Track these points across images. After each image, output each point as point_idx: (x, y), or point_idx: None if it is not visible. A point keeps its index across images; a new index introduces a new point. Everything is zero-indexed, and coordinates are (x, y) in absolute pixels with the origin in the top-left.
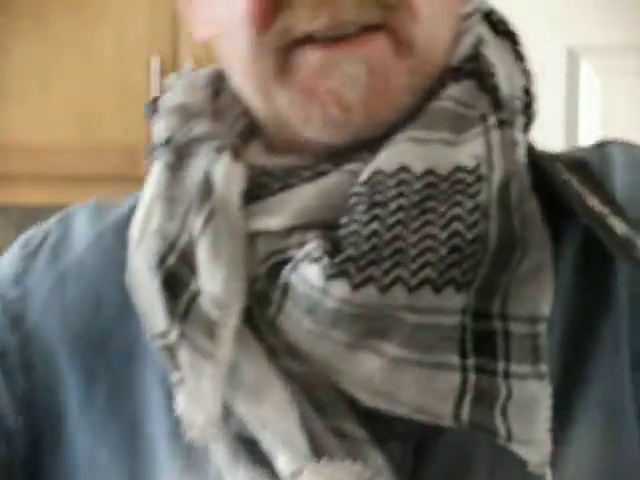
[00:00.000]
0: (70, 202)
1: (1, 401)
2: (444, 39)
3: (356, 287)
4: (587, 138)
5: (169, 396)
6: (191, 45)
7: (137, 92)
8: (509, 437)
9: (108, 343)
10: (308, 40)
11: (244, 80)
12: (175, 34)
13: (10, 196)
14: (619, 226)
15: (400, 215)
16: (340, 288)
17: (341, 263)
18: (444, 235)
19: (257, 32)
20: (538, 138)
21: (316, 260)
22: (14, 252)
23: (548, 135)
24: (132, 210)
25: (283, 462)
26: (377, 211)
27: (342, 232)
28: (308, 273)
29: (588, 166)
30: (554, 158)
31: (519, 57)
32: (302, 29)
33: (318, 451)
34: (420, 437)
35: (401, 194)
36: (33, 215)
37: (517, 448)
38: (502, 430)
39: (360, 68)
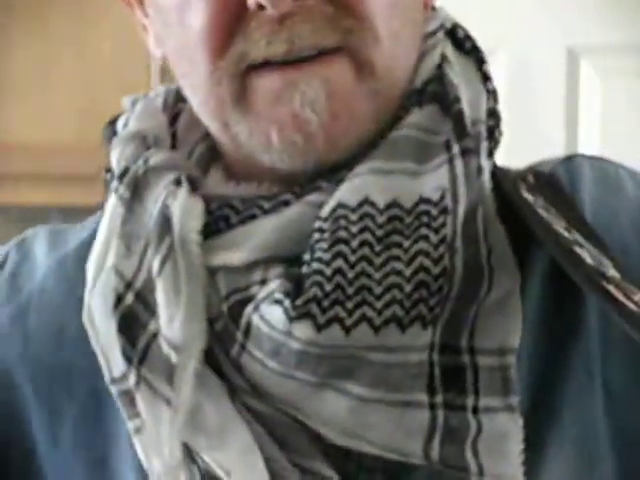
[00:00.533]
0: (70, 202)
1: None
2: (406, 59)
3: (320, 328)
4: (587, 138)
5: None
6: None
7: (137, 92)
8: (481, 473)
9: (71, 376)
10: (264, 65)
11: (201, 107)
12: None
13: (10, 196)
14: (587, 254)
15: (364, 251)
16: (304, 330)
17: (304, 304)
18: (409, 271)
19: (212, 59)
20: (538, 138)
21: (278, 302)
22: None
23: (548, 135)
24: (93, 236)
25: None
26: (340, 247)
27: (304, 270)
28: (270, 315)
29: (557, 181)
30: (520, 178)
31: (485, 77)
32: (258, 54)
33: None
34: (390, 472)
35: (365, 228)
36: (33, 215)
37: None
38: (473, 466)
39: (319, 91)
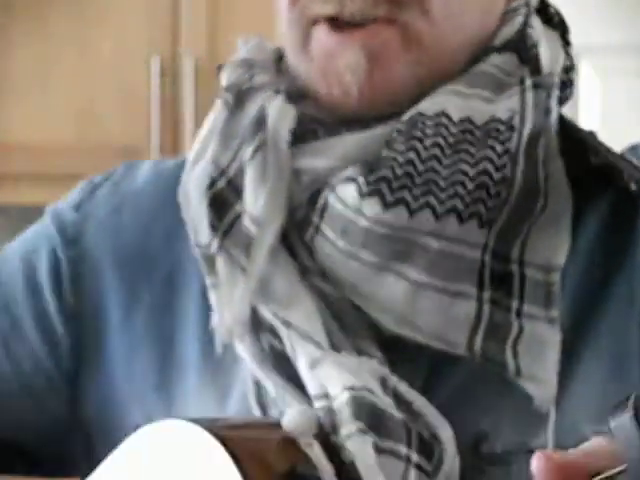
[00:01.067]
0: None
1: (50, 310)
2: (464, 33)
3: (387, 207)
4: None
5: (203, 319)
6: (191, 45)
7: (137, 92)
8: (518, 372)
9: (153, 268)
10: (323, 21)
11: (286, 44)
12: (175, 34)
13: (10, 196)
14: None
15: (435, 151)
16: (373, 207)
17: (375, 182)
18: (473, 172)
19: (287, 6)
20: None
21: (353, 180)
22: (80, 185)
23: None
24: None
25: (303, 356)
26: (414, 143)
27: (380, 159)
28: (344, 192)
29: (622, 155)
30: (589, 134)
31: (567, 44)
32: (313, 11)
33: (337, 350)
34: (433, 364)
35: (438, 134)
36: (33, 215)
37: (525, 384)
38: (512, 365)
39: (360, 56)
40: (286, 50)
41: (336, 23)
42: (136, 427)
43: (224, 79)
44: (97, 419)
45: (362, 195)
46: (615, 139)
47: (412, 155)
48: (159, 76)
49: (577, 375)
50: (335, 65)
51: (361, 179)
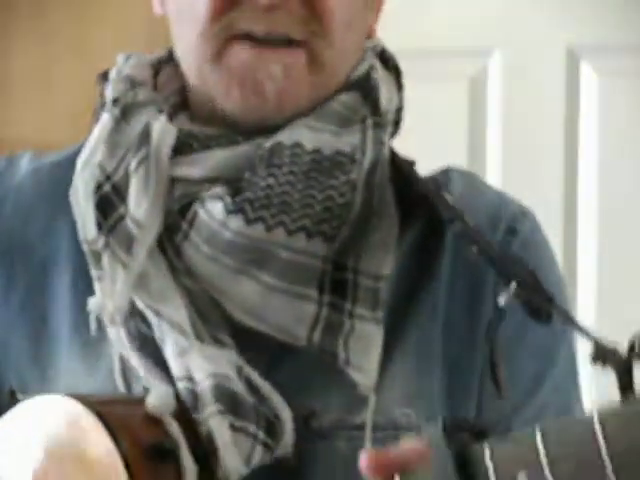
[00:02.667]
0: None
1: None
2: (347, 65)
3: (249, 222)
4: (587, 138)
5: (74, 300)
6: None
7: None
8: (347, 362)
9: (30, 255)
10: (245, 37)
11: (186, 56)
12: None
13: None
14: (450, 203)
15: (290, 177)
16: (236, 222)
17: (240, 202)
18: (321, 197)
19: (208, 22)
20: (538, 138)
21: (220, 198)
22: None
23: (548, 135)
24: (71, 155)
25: (171, 345)
26: (273, 170)
27: (244, 182)
28: (213, 207)
29: (435, 180)
30: (410, 164)
31: (399, 86)
32: (243, 27)
33: (202, 341)
34: (275, 353)
35: (294, 162)
36: None
37: (351, 372)
38: (342, 356)
39: (279, 70)
40: (183, 57)
41: (255, 41)
42: (11, 391)
43: (109, 93)
44: None
45: (228, 212)
46: (615, 139)
47: (271, 180)
48: None
49: (391, 366)
50: (256, 75)
51: (228, 198)
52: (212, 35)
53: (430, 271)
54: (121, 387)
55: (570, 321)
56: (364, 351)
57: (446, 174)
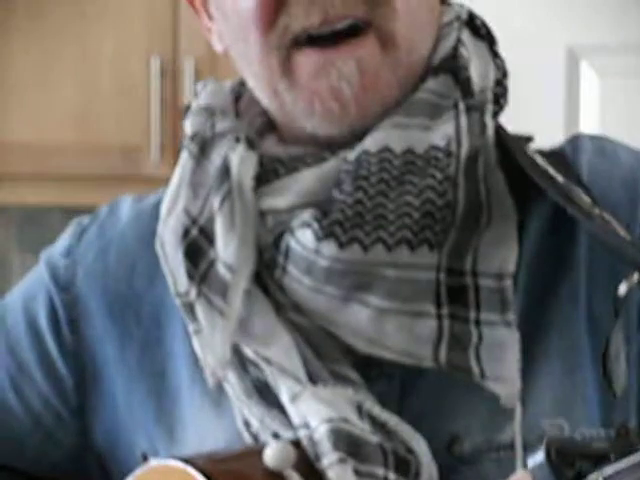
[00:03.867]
0: (70, 202)
1: (52, 352)
2: (422, 35)
3: (342, 246)
4: None
5: (190, 350)
6: (191, 45)
7: (137, 92)
8: (482, 375)
9: (140, 305)
10: (306, 42)
11: (255, 80)
12: (175, 34)
13: (10, 196)
14: (581, 197)
15: (381, 186)
16: (329, 248)
17: (329, 226)
18: (418, 202)
19: (262, 33)
20: (538, 138)
21: (308, 225)
22: (69, 230)
23: (548, 135)
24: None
25: (284, 389)
26: (361, 183)
27: (332, 201)
28: (303, 236)
29: (561, 153)
30: (525, 141)
31: (495, 55)
32: (298, 26)
33: (315, 382)
34: (406, 377)
35: (383, 169)
36: (33, 215)
37: (490, 385)
38: (476, 370)
39: (353, 68)
40: (255, 83)
41: (317, 43)
42: (143, 455)
43: (188, 128)
44: (106, 448)
45: (319, 239)
46: (614, 138)
47: (360, 195)
48: (159, 76)
49: (533, 373)
50: (328, 81)
51: (315, 224)
52: (273, 46)
53: (566, 259)
54: (247, 438)
55: None
56: (500, 359)
57: (575, 142)
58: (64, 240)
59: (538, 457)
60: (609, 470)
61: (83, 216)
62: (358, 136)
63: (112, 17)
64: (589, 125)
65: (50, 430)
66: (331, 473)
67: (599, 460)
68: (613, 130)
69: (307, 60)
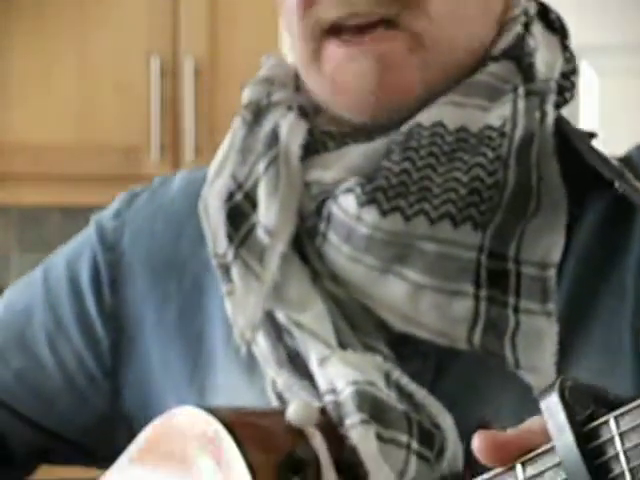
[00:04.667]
0: (70, 202)
1: (92, 312)
2: (468, 30)
3: (384, 213)
4: None
5: (227, 317)
6: (191, 45)
7: (137, 92)
8: (517, 364)
9: (182, 271)
10: (334, 32)
11: (297, 60)
12: (175, 34)
13: (10, 196)
14: None
15: (430, 160)
16: (370, 214)
17: (372, 191)
18: (466, 178)
19: (299, 19)
20: None
21: (351, 190)
22: (121, 196)
23: None
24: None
25: (314, 354)
26: (410, 154)
27: (378, 169)
28: (345, 201)
29: (631, 159)
30: (588, 136)
31: (566, 48)
32: (327, 17)
33: (345, 348)
34: (440, 357)
35: (434, 143)
36: (33, 215)
37: (524, 375)
38: (510, 357)
39: (371, 63)
40: (297, 65)
41: (343, 37)
42: None
43: (245, 97)
44: (137, 412)
45: (361, 204)
46: (614, 138)
47: (407, 165)
48: (159, 76)
49: (571, 366)
50: (346, 75)
51: (358, 189)
52: (307, 34)
53: (618, 255)
54: (274, 402)
55: None
56: (536, 349)
57: None
58: (115, 204)
59: (552, 398)
60: (620, 410)
61: (82, 216)
62: (403, 120)
63: (112, 17)
64: (589, 125)
65: (82, 390)
66: (353, 433)
67: (613, 407)
68: (612, 130)
69: (332, 52)
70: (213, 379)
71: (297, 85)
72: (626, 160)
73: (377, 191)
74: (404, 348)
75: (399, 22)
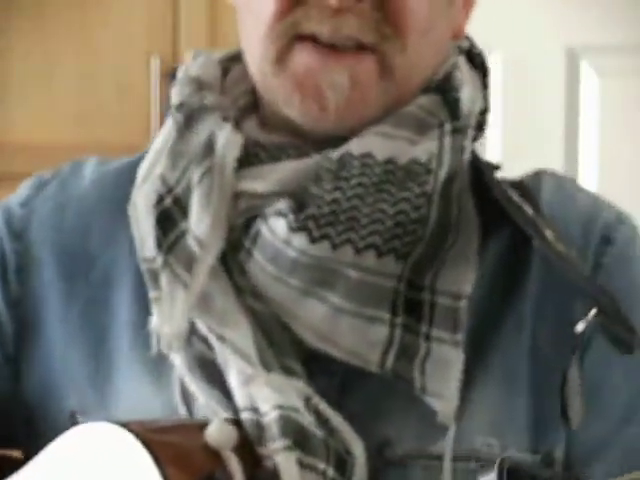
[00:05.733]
0: None
1: None
2: (424, 72)
3: (313, 241)
4: (586, 137)
5: (135, 315)
6: (191, 45)
7: (137, 92)
8: (423, 390)
9: (91, 266)
10: (310, 39)
11: (250, 56)
12: (175, 34)
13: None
14: (545, 230)
15: (359, 190)
16: (300, 240)
17: (304, 219)
18: (392, 211)
19: (274, 19)
20: (538, 137)
21: (283, 215)
22: (29, 182)
23: (548, 135)
24: (135, 161)
25: (235, 374)
26: (340, 184)
27: (309, 196)
28: (275, 225)
29: (525, 185)
30: (494, 168)
31: (485, 86)
32: (307, 28)
33: (267, 369)
34: (347, 378)
35: (363, 174)
36: None
37: (429, 400)
38: (418, 382)
39: (345, 79)
40: (248, 59)
41: (320, 44)
42: (71, 414)
43: (174, 97)
44: (36, 401)
45: (292, 229)
46: (614, 138)
47: (338, 194)
48: (159, 76)
49: (473, 393)
50: (317, 81)
51: (291, 216)
52: (276, 35)
53: (517, 285)
54: (182, 411)
55: None
56: (443, 377)
57: (537, 178)
58: (23, 190)
59: (490, 477)
60: None
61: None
62: (339, 136)
63: (112, 17)
64: (589, 125)
65: None
66: (278, 458)
67: None
68: (613, 130)
69: (306, 55)
70: (115, 380)
71: (223, 87)
72: (523, 187)
73: (308, 219)
74: (313, 365)
75: (376, 49)
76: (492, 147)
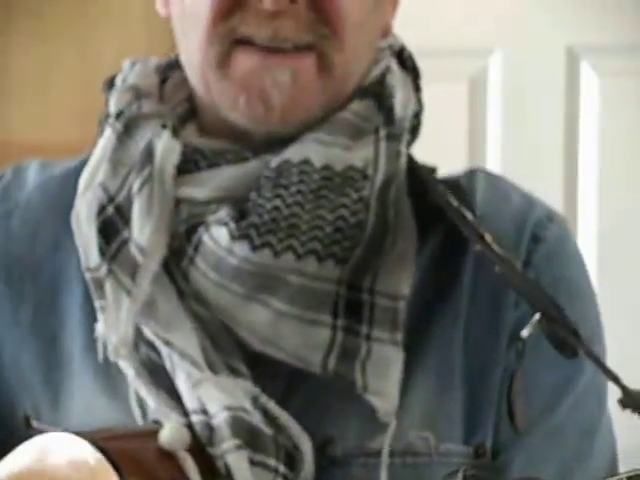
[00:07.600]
0: None
1: None
2: (359, 68)
3: (255, 249)
4: (586, 137)
5: (85, 320)
6: None
7: None
8: (365, 389)
9: (39, 270)
10: (249, 43)
11: (190, 63)
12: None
13: None
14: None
15: (298, 197)
16: (242, 248)
17: (245, 228)
18: (331, 217)
19: (212, 24)
20: (538, 137)
21: (225, 224)
22: None
23: (548, 135)
24: (78, 167)
25: (183, 377)
26: (280, 191)
27: (250, 204)
28: (217, 233)
29: (458, 184)
30: (431, 171)
31: (417, 89)
32: (246, 32)
33: (214, 371)
34: (289, 380)
35: (302, 181)
36: None
37: (370, 398)
38: (360, 382)
39: (286, 77)
40: (189, 67)
41: (258, 46)
42: (25, 418)
43: (112, 105)
44: None
45: (233, 238)
46: (614, 138)
47: (278, 202)
48: None
49: (409, 388)
50: (261, 83)
51: (232, 224)
52: (215, 40)
53: (451, 284)
54: (137, 415)
55: (598, 363)
56: (383, 375)
57: (471, 177)
58: None
59: None
60: None
61: None
62: (278, 140)
63: (112, 17)
64: (589, 125)
65: None
66: (229, 457)
67: None
68: (613, 130)
69: (247, 58)
70: (68, 385)
71: (161, 95)
72: (456, 186)
73: (250, 227)
74: (257, 367)
75: (315, 48)
76: (491, 147)
